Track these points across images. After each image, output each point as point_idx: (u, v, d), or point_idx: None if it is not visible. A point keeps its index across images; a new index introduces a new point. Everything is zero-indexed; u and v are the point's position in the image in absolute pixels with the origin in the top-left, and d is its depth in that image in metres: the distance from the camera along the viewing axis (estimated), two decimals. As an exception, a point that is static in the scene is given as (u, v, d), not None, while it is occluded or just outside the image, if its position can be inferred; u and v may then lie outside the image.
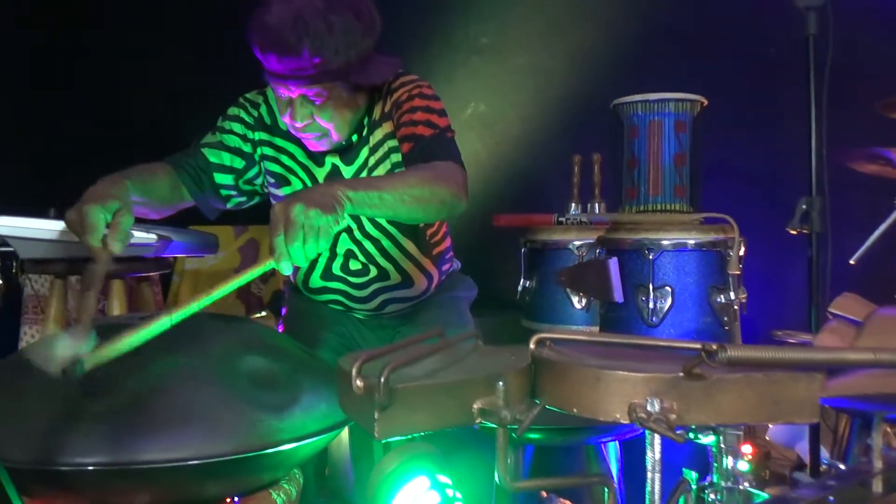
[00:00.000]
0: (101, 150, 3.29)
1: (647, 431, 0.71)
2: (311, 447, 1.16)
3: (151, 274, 2.07)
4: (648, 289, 1.95)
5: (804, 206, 1.84)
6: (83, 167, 3.22)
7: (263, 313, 3.17)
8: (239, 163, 1.72)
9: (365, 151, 1.71)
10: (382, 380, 0.66)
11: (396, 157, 1.69)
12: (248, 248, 3.53)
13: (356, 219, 1.74)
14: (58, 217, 1.78)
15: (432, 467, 1.07)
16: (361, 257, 1.78)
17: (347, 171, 1.72)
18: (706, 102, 2.14)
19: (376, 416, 0.66)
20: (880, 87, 2.52)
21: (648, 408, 0.67)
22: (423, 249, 1.82)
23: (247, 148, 1.72)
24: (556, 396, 0.74)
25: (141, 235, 1.82)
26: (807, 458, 2.03)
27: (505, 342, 1.09)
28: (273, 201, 1.76)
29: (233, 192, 1.74)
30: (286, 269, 1.16)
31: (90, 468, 0.99)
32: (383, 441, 2.00)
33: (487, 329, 2.06)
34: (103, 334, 1.02)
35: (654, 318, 1.96)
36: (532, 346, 0.83)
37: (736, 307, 1.98)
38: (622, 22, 3.14)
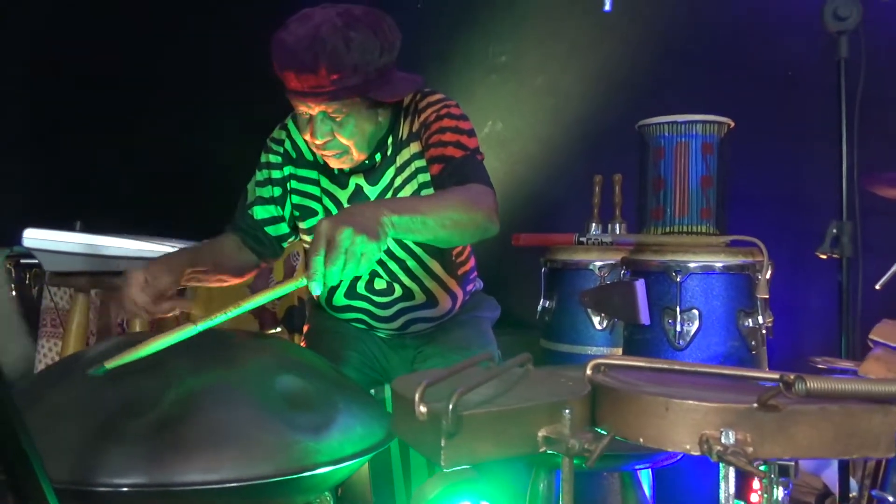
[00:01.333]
0: (129, 164, 3.31)
1: (721, 465, 0.69)
2: (348, 470, 1.14)
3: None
4: (675, 311, 1.93)
5: (834, 231, 1.82)
6: (110, 181, 3.24)
7: (278, 329, 3.15)
8: (282, 209, 1.77)
9: (391, 171, 1.70)
10: (451, 406, 0.64)
11: (424, 178, 1.68)
12: (262, 262, 3.50)
13: None
14: (84, 230, 1.77)
15: (476, 492, 1.04)
16: (386, 276, 1.76)
17: (372, 192, 1.71)
18: (733, 124, 2.13)
19: (443, 443, 0.64)
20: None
21: (723, 440, 0.65)
22: (448, 269, 1.80)
23: (279, 191, 1.76)
24: (621, 425, 0.72)
25: (165, 249, 1.81)
26: (834, 487, 1.99)
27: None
28: (300, 235, 1.80)
29: (289, 237, 1.81)
30: (316, 290, 1.15)
31: (126, 489, 0.97)
32: (401, 465, 1.98)
33: (506, 349, 2.05)
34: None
35: (680, 342, 1.94)
36: (589, 371, 0.81)
37: (763, 332, 1.95)
38: (642, 43, 3.14)
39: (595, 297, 2.11)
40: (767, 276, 1.94)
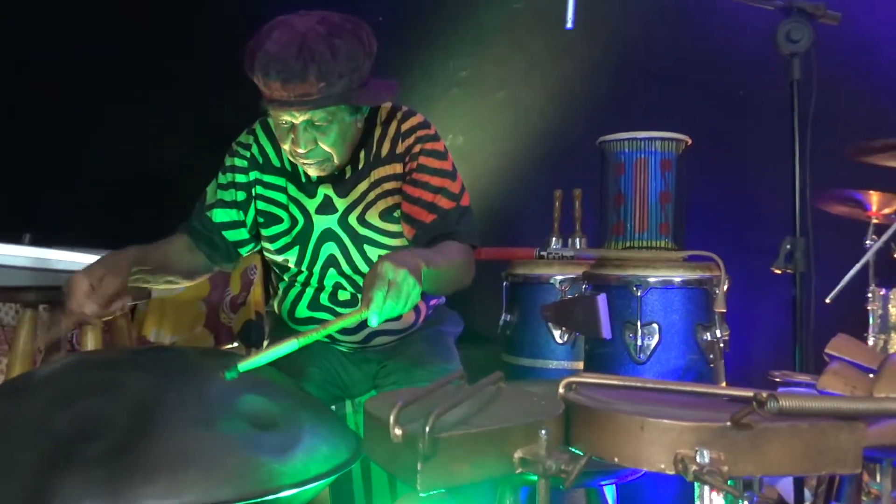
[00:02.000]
0: (81, 174, 3.20)
1: (696, 484, 0.69)
2: (313, 492, 1.11)
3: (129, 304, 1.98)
4: (636, 326, 1.95)
5: (788, 247, 1.87)
6: (61, 192, 3.12)
7: (235, 344, 3.09)
8: (244, 215, 1.74)
9: (364, 185, 1.70)
10: (428, 429, 0.62)
11: (395, 200, 1.69)
12: (216, 275, 3.42)
13: (345, 253, 1.72)
14: (32, 243, 1.70)
15: (446, 515, 1.03)
16: (351, 289, 1.75)
17: (341, 203, 1.70)
18: (690, 142, 2.18)
19: (419, 467, 0.63)
20: (853, 131, 2.60)
21: (699, 459, 0.65)
22: None
23: (242, 196, 1.74)
24: (595, 444, 0.72)
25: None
26: (789, 498, 2.03)
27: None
28: (262, 243, 1.77)
29: (248, 244, 1.78)
30: (374, 322, 1.25)
31: (81, 517, 0.93)
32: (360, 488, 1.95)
33: (468, 363, 2.04)
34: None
35: (641, 356, 1.96)
36: (562, 390, 0.80)
37: (721, 345, 1.99)
38: (601, 61, 3.20)
39: (557, 312, 2.12)
40: (724, 290, 1.99)
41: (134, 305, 3.24)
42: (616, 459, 0.70)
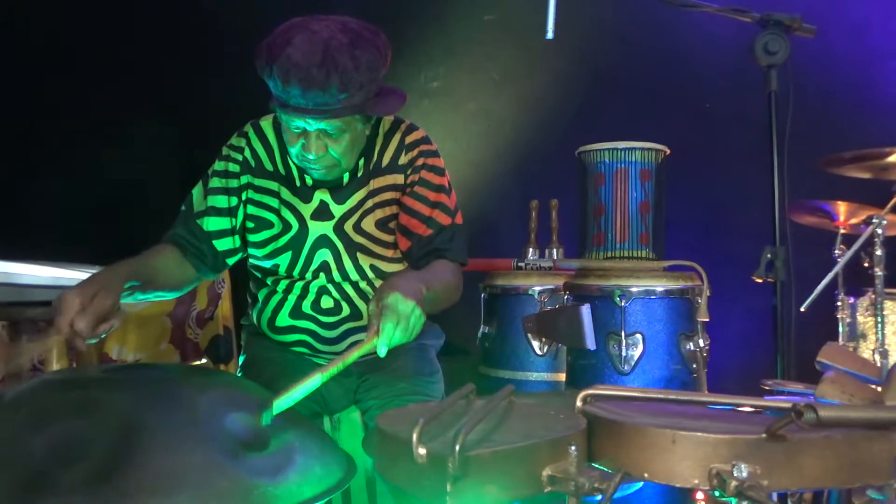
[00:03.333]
0: (41, 186, 3.07)
1: (733, 500, 0.66)
2: (306, 514, 1.06)
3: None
4: (620, 336, 1.94)
5: (769, 256, 1.88)
6: (20, 204, 2.99)
7: (203, 360, 2.99)
8: (235, 221, 1.71)
9: (362, 193, 1.69)
10: (458, 447, 0.58)
11: (391, 210, 1.70)
12: (182, 290, 3.32)
13: (338, 260, 1.70)
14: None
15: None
16: (336, 295, 1.72)
17: (338, 210, 1.69)
18: (669, 152, 2.19)
19: (449, 488, 0.59)
20: (820, 143, 2.65)
21: (736, 473, 0.62)
22: None
23: (234, 201, 1.71)
24: (623, 460, 0.69)
25: (84, 277, 1.66)
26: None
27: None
28: (249, 248, 1.73)
29: (236, 253, 1.75)
30: (383, 352, 1.32)
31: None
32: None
33: (445, 376, 2.00)
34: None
35: (625, 366, 1.95)
36: (580, 403, 0.77)
37: (704, 354, 1.99)
38: (575, 71, 3.21)
39: (539, 323, 2.09)
40: (706, 299, 1.99)
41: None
42: (646, 475, 0.67)
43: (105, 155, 3.04)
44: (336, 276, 1.70)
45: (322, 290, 1.72)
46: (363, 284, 1.72)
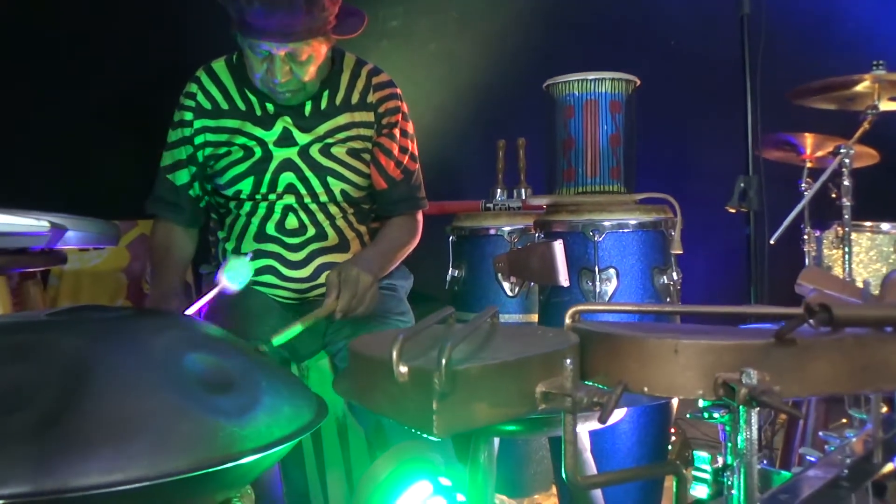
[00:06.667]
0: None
1: (741, 409, 0.62)
2: (276, 456, 1.00)
3: (39, 270, 1.78)
4: (594, 271, 1.90)
5: (742, 185, 1.85)
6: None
7: (162, 315, 2.87)
8: (197, 165, 1.76)
9: (328, 125, 1.74)
10: (444, 361, 0.52)
11: (363, 144, 1.76)
12: (137, 244, 3.19)
13: (305, 182, 1.73)
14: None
15: (433, 469, 0.93)
16: (302, 214, 1.75)
17: (302, 138, 1.71)
18: (639, 83, 2.12)
19: (435, 406, 0.52)
20: (790, 74, 2.61)
21: (745, 381, 0.57)
22: (360, 219, 1.84)
23: (190, 150, 1.75)
24: (621, 374, 0.63)
25: (29, 223, 1.54)
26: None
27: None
28: (212, 182, 1.78)
29: (203, 199, 1.82)
30: (339, 317, 1.52)
31: (5, 502, 0.78)
32: (309, 444, 1.84)
33: (414, 322, 1.95)
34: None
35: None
36: (569, 320, 0.71)
37: (677, 287, 1.97)
38: (535, 8, 3.10)
39: (510, 262, 2.03)
40: (679, 232, 1.96)
41: (46, 275, 2.97)
42: (646, 389, 0.62)
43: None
44: (305, 195, 1.73)
45: (287, 209, 1.73)
46: (332, 208, 1.75)
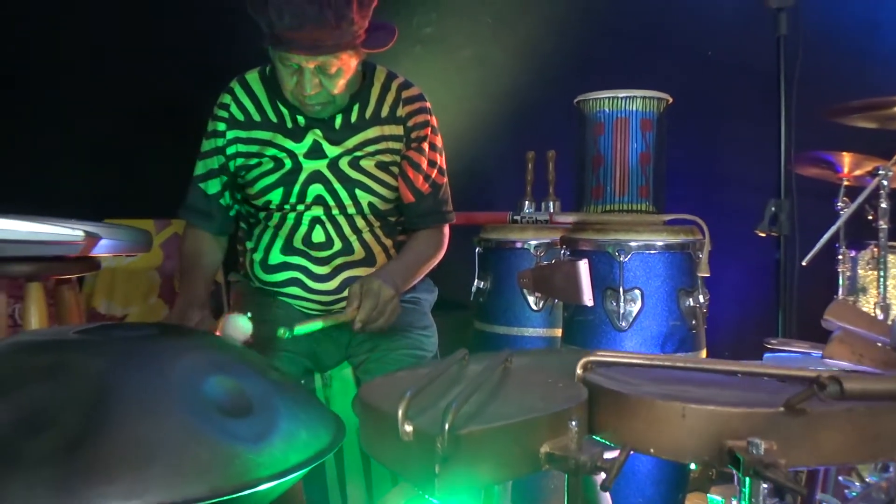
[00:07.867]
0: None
1: (748, 479, 0.61)
2: (291, 483, 1.01)
3: (73, 277, 1.83)
4: (619, 292, 1.88)
5: (773, 209, 1.82)
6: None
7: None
8: (228, 175, 1.78)
9: (358, 138, 1.74)
10: (447, 426, 0.52)
11: (392, 157, 1.77)
12: (171, 243, 3.26)
13: (333, 194, 1.74)
14: None
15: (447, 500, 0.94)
16: (329, 227, 1.76)
17: (331, 150, 1.73)
18: (671, 100, 2.10)
19: (437, 470, 0.53)
20: (828, 92, 2.55)
21: (752, 451, 0.57)
22: (387, 233, 1.84)
23: (222, 160, 1.77)
24: (627, 434, 0.63)
25: (65, 232, 1.59)
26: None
27: (460, 345, 0.99)
28: (243, 192, 1.80)
29: (234, 205, 1.83)
30: (358, 327, 1.52)
31: (29, 523, 0.81)
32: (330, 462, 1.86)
33: (440, 331, 1.96)
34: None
35: (623, 323, 1.90)
36: (580, 371, 0.71)
37: (703, 310, 1.94)
38: (571, 17, 3.08)
39: (535, 278, 2.03)
40: (707, 254, 1.93)
41: (81, 276, 3.05)
42: (652, 451, 0.62)
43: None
44: (333, 207, 1.75)
45: (315, 221, 1.75)
46: (359, 221, 1.77)
